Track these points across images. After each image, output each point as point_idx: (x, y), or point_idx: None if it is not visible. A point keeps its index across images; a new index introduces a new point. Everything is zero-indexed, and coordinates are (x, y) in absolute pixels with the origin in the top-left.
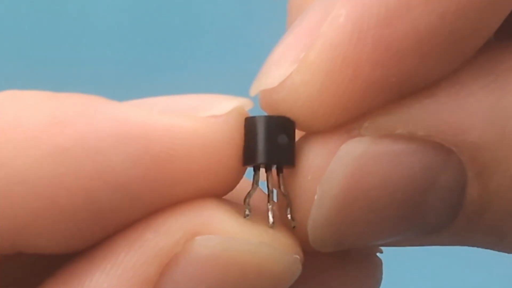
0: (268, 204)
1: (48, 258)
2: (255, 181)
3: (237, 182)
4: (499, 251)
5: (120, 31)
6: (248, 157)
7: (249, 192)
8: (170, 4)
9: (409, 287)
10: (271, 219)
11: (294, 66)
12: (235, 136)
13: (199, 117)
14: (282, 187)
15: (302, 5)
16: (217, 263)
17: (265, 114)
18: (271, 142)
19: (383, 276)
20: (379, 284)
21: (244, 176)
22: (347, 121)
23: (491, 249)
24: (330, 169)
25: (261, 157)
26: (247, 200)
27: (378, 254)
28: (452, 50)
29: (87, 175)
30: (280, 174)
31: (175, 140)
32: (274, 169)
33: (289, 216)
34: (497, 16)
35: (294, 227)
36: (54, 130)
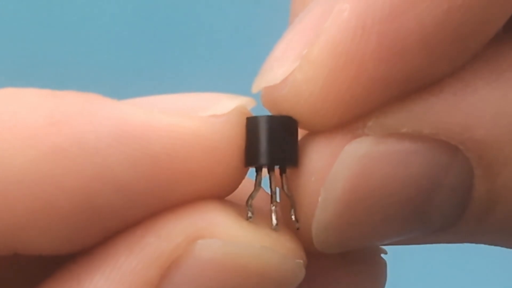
0: (271, 205)
1: (46, 259)
2: (258, 183)
3: (239, 183)
4: (508, 248)
5: (121, 29)
6: (250, 158)
7: (251, 194)
8: (171, 2)
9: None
10: (274, 221)
11: (296, 63)
12: (236, 136)
13: (199, 117)
14: (285, 187)
15: (305, 0)
16: (219, 268)
17: (268, 113)
18: (274, 142)
19: (388, 277)
20: (384, 286)
21: (247, 176)
22: (351, 120)
23: (500, 246)
24: (334, 170)
25: (263, 158)
26: (249, 202)
27: (382, 255)
28: (458, 46)
29: (85, 175)
30: (283, 175)
31: (175, 140)
32: (277, 169)
33: (293, 217)
34: (505, 10)
35: (298, 228)
36: (52, 129)
